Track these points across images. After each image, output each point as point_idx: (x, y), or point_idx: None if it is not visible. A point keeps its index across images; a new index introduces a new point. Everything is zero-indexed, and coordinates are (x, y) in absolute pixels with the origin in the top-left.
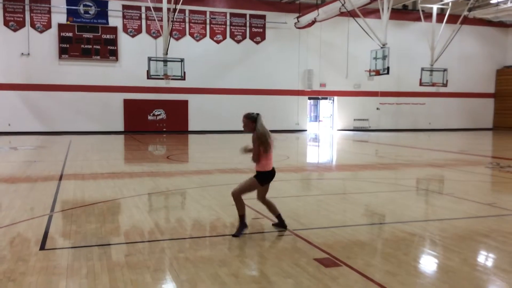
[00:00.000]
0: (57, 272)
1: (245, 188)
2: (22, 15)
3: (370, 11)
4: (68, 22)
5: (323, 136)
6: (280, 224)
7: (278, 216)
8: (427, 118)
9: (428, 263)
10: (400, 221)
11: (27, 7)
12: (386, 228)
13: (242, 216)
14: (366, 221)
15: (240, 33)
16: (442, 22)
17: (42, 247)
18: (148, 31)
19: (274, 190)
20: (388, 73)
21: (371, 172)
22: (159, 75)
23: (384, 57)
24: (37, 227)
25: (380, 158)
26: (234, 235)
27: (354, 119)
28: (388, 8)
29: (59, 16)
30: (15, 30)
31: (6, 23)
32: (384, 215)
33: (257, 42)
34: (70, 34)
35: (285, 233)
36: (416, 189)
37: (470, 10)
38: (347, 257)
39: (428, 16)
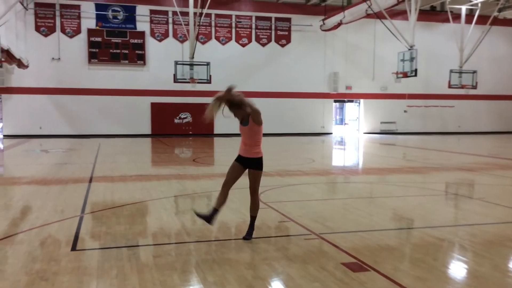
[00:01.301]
0: (88, 273)
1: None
2: (53, 21)
3: (397, 13)
4: (97, 27)
5: (349, 139)
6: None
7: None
8: (456, 121)
9: (458, 269)
10: (429, 226)
11: (57, 13)
12: (414, 233)
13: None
14: (394, 225)
15: (266, 36)
16: (471, 23)
17: (73, 248)
18: (175, 36)
19: (299, 193)
20: (416, 75)
21: (399, 175)
22: (185, 79)
23: (412, 59)
24: (68, 228)
25: (408, 162)
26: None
27: (381, 122)
28: (416, 9)
29: (88, 21)
30: (46, 35)
31: (37, 29)
32: (412, 219)
33: (283, 45)
34: (99, 39)
35: (311, 237)
36: (445, 193)
37: (500, 10)
38: (375, 261)
39: (456, 17)
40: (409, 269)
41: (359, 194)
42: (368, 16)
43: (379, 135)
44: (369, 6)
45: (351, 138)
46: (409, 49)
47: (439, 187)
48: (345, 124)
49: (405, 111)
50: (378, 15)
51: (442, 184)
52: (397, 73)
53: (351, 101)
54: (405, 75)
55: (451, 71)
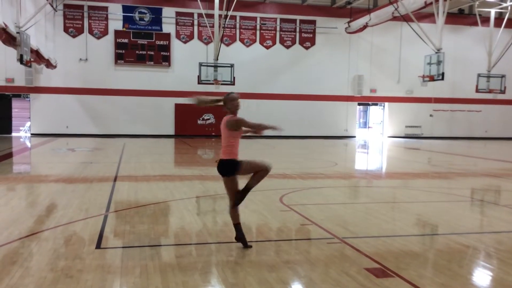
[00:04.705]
0: (112, 271)
1: (238, 191)
2: (81, 22)
3: (424, 15)
4: (124, 29)
5: (373, 142)
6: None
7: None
8: (483, 125)
9: (484, 277)
10: (454, 232)
11: (85, 14)
12: (439, 239)
13: (237, 225)
14: (418, 231)
15: (290, 39)
16: (500, 26)
17: (98, 246)
18: (200, 37)
19: (321, 197)
20: (442, 79)
21: (424, 180)
22: (209, 80)
23: (439, 63)
24: (93, 226)
25: (433, 167)
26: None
27: (406, 126)
28: (444, 12)
29: (115, 23)
30: (74, 36)
31: (66, 30)
32: (437, 225)
33: (307, 47)
34: (126, 40)
35: (334, 241)
36: (471, 199)
37: None
38: (398, 267)
39: (485, 20)
40: (434, 276)
41: (382, 198)
42: (394, 18)
43: (404, 139)
44: (396, 9)
45: (375, 141)
46: (436, 52)
47: (465, 193)
48: (368, 127)
49: (431, 115)
50: (405, 18)
51: (468, 190)
52: (423, 76)
53: (375, 104)
54: (432, 78)
55: (479, 75)
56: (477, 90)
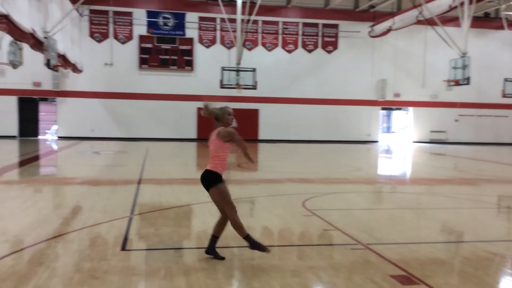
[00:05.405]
0: (137, 273)
1: (229, 203)
2: (106, 27)
3: (449, 19)
4: (148, 34)
5: (396, 147)
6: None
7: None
8: (510, 131)
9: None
10: (481, 240)
11: (111, 20)
12: (466, 247)
13: (247, 237)
14: (445, 238)
15: (312, 43)
16: None
17: (123, 248)
18: (222, 42)
19: (344, 202)
20: (468, 83)
21: (449, 187)
22: (231, 85)
23: (464, 67)
24: (118, 228)
25: (459, 173)
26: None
27: (431, 131)
28: (469, 15)
29: (140, 28)
30: (99, 41)
31: (91, 35)
32: (464, 232)
33: (329, 51)
34: (150, 45)
35: (358, 247)
36: (499, 206)
37: None
38: (424, 275)
39: (511, 24)
40: (460, 284)
41: (407, 204)
42: (419, 22)
43: (429, 144)
44: (420, 13)
45: (399, 146)
46: (462, 57)
47: (492, 200)
48: (392, 132)
49: (456, 120)
50: (430, 22)
51: (495, 197)
52: (448, 81)
53: (399, 109)
54: (457, 83)
55: (505, 79)
56: (504, 95)
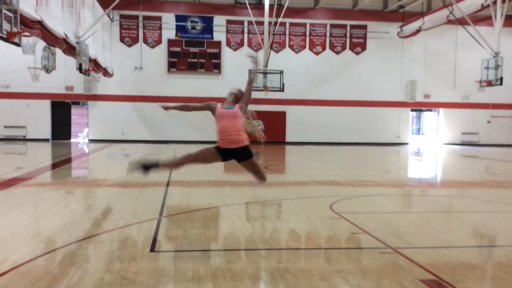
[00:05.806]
0: (166, 274)
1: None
2: (136, 32)
3: (481, 18)
4: (177, 38)
5: (427, 150)
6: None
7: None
8: None
9: None
10: None
11: (140, 24)
12: (498, 251)
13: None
14: (477, 242)
15: (340, 44)
16: None
17: (152, 249)
18: (250, 45)
19: (373, 205)
20: (501, 84)
21: (482, 189)
22: (258, 87)
23: (497, 67)
24: (148, 230)
25: (492, 175)
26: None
27: (462, 133)
28: (502, 14)
29: (168, 32)
30: (129, 46)
31: (122, 39)
32: (496, 236)
33: (357, 53)
34: (178, 49)
35: (387, 251)
36: None
37: None
38: (455, 280)
39: None
40: None
41: (437, 208)
42: (449, 22)
43: (460, 147)
44: (451, 12)
45: (429, 148)
46: (494, 57)
47: None
48: (422, 134)
49: (488, 122)
50: (461, 21)
51: None
52: (480, 81)
53: (430, 110)
54: (489, 83)
55: None
56: None
